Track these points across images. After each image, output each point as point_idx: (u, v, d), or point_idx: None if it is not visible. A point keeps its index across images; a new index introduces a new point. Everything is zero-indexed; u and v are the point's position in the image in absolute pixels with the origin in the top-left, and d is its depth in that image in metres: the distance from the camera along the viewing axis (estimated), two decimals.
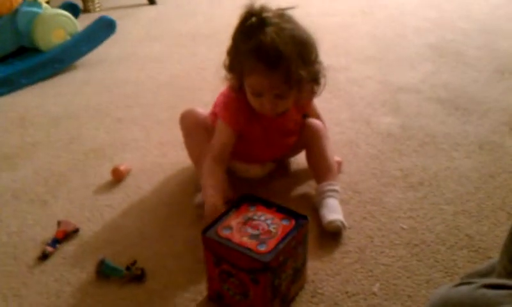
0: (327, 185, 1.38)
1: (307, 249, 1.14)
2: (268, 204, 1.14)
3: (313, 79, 1.30)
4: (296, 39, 1.22)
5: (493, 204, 1.39)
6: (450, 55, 2.35)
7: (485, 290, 0.70)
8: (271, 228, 1.07)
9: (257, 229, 1.07)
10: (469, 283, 0.75)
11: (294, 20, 1.26)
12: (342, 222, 1.29)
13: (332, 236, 1.30)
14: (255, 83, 1.25)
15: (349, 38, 2.65)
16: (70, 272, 1.23)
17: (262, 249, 1.02)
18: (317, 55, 1.29)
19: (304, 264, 1.15)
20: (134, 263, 1.21)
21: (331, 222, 1.29)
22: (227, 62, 1.31)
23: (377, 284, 1.16)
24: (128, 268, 1.20)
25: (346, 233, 1.31)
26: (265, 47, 1.19)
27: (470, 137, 1.69)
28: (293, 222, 1.09)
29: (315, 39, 1.27)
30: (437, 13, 2.98)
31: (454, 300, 0.71)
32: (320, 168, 1.43)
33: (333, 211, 1.32)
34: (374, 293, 1.14)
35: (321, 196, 1.37)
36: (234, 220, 1.10)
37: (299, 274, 1.13)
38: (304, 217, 1.11)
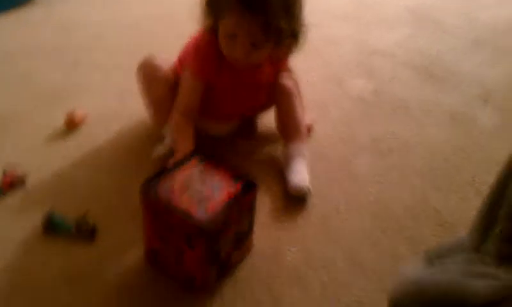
0: (295, 147, 1.31)
1: (254, 216, 1.09)
2: (217, 164, 1.07)
3: (293, 35, 1.21)
4: None
5: (462, 178, 1.36)
6: (428, 21, 2.28)
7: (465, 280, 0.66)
8: (214, 191, 1.00)
9: (199, 190, 1.00)
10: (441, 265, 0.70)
11: None
12: (308, 188, 1.24)
13: (296, 201, 1.25)
14: (232, 24, 1.15)
15: None
16: (14, 225, 1.15)
17: (201, 212, 0.95)
18: (301, 10, 1.20)
19: (249, 231, 1.10)
20: (85, 218, 1.13)
21: (296, 185, 1.24)
22: None
23: (341, 255, 1.12)
24: (78, 225, 1.12)
25: (311, 199, 1.26)
26: None
27: (442, 106, 1.65)
28: (239, 186, 1.02)
29: None
30: None
31: (431, 290, 0.66)
32: (289, 128, 1.36)
33: (300, 175, 1.26)
34: (337, 263, 1.10)
35: (288, 158, 1.31)
36: (178, 177, 1.02)
37: (243, 240, 1.08)
38: (252, 183, 1.04)
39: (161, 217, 0.98)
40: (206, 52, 1.25)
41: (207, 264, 0.99)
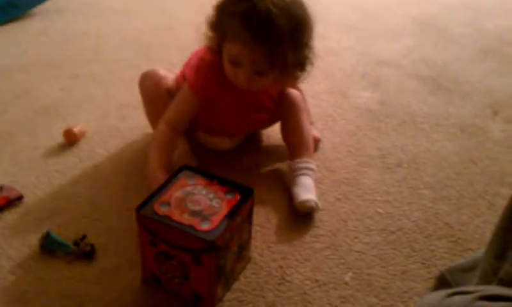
0: (301, 162, 1.27)
1: (252, 224, 1.06)
2: (208, 177, 1.04)
3: (300, 64, 1.17)
4: (293, 16, 1.09)
5: (474, 191, 1.32)
6: (434, 30, 2.25)
7: (483, 303, 0.61)
8: (214, 203, 0.97)
9: (199, 205, 0.96)
10: (462, 293, 0.66)
11: None
12: (315, 203, 1.20)
13: (304, 217, 1.20)
14: (235, 51, 1.12)
15: (330, 5, 2.52)
16: (11, 244, 1.11)
17: (206, 226, 0.91)
18: (310, 39, 1.16)
19: (249, 240, 1.06)
20: (84, 238, 1.10)
21: (304, 202, 1.19)
22: (212, 18, 1.16)
23: (350, 274, 1.08)
24: (76, 243, 1.09)
25: (318, 215, 1.21)
26: (258, 15, 1.05)
27: (451, 119, 1.61)
28: (237, 195, 0.99)
29: (312, 21, 1.14)
30: None
31: None
32: (295, 143, 1.32)
33: (307, 190, 1.22)
34: (346, 283, 1.06)
35: (294, 173, 1.26)
36: (172, 195, 0.98)
37: (243, 251, 1.04)
38: (249, 190, 1.01)
39: (162, 237, 0.94)
40: (208, 71, 1.21)
41: (214, 279, 0.95)
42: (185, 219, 0.93)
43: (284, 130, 1.35)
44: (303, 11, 1.13)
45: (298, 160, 1.28)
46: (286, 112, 1.33)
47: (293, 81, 1.25)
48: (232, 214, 0.95)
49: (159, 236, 0.94)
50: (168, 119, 1.22)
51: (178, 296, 0.99)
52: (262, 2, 1.06)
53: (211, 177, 1.04)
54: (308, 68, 1.20)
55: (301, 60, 1.17)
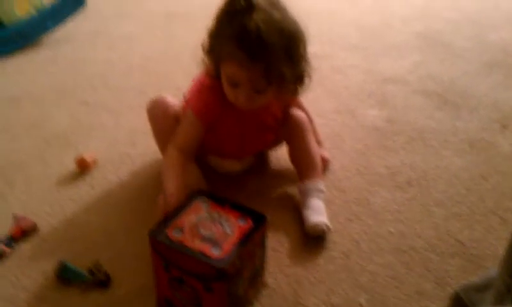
0: (311, 184, 1.28)
1: (266, 250, 1.06)
2: (221, 201, 1.04)
3: (297, 78, 1.19)
4: (284, 32, 1.10)
5: (485, 207, 1.31)
6: (438, 45, 2.26)
7: None
8: (226, 229, 0.97)
9: (210, 231, 0.96)
10: None
11: (286, 9, 1.13)
12: (326, 225, 1.20)
13: (315, 239, 1.20)
14: (232, 72, 1.13)
15: (334, 25, 2.54)
16: (27, 275, 1.11)
17: (216, 253, 0.91)
18: (304, 52, 1.17)
19: (262, 266, 1.06)
20: (99, 266, 1.10)
21: (314, 225, 1.19)
22: (206, 44, 1.18)
23: (364, 296, 1.07)
24: (91, 272, 1.09)
25: (330, 237, 1.21)
26: (249, 35, 1.07)
27: (460, 134, 1.61)
28: (250, 221, 0.99)
29: (305, 34, 1.16)
30: (424, 1, 2.90)
31: None
32: (304, 164, 1.32)
33: (317, 212, 1.22)
34: (361, 305, 1.05)
35: (304, 195, 1.27)
36: (186, 221, 0.99)
37: (257, 277, 1.04)
38: (262, 216, 1.01)
39: (175, 263, 0.94)
40: (208, 95, 1.22)
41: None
42: (197, 244, 0.93)
43: (291, 152, 1.36)
44: (294, 26, 1.14)
45: (307, 181, 1.29)
46: (291, 133, 1.34)
47: (293, 95, 1.25)
48: (243, 242, 0.95)
49: (172, 262, 0.95)
50: (177, 143, 1.23)
51: None
52: (251, 23, 1.07)
53: (224, 201, 1.04)
54: (307, 81, 1.21)
55: (298, 73, 1.18)
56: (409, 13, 2.68)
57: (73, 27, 2.43)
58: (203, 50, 1.19)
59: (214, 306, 0.94)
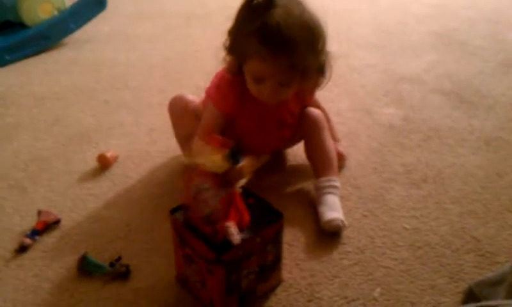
0: (326, 181, 1.30)
1: (281, 248, 1.07)
2: (247, 194, 1.06)
3: (319, 69, 1.21)
4: (304, 25, 1.13)
5: (501, 205, 1.32)
6: (455, 44, 2.26)
7: None
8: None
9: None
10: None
11: (304, 4, 1.17)
12: (342, 221, 1.22)
13: (331, 235, 1.22)
14: (256, 68, 1.16)
15: (352, 24, 2.55)
16: (50, 267, 1.15)
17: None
18: (324, 45, 1.20)
19: (277, 263, 1.07)
20: (119, 259, 1.14)
21: (330, 221, 1.21)
22: (227, 43, 1.21)
23: (378, 289, 1.09)
24: (112, 264, 1.12)
25: (345, 232, 1.23)
26: (270, 30, 1.10)
27: (476, 133, 1.61)
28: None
29: (324, 28, 1.18)
30: (440, 0, 2.89)
31: None
32: (320, 162, 1.34)
33: (333, 209, 1.24)
34: (375, 299, 1.07)
35: (320, 192, 1.29)
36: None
37: (268, 273, 1.06)
38: (278, 214, 1.03)
39: (187, 241, 0.99)
40: (228, 88, 1.26)
41: (225, 293, 0.98)
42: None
43: (307, 149, 1.38)
44: (313, 20, 1.16)
45: (322, 178, 1.30)
46: (308, 131, 1.36)
47: (315, 86, 1.28)
48: (251, 234, 0.97)
49: (184, 239, 1.00)
50: (200, 134, 1.26)
51: (201, 302, 1.03)
52: (272, 18, 1.10)
53: (248, 194, 1.06)
54: (328, 73, 1.24)
55: (320, 64, 1.21)
56: (425, 12, 2.68)
57: (94, 29, 2.48)
58: (225, 48, 1.22)
59: (215, 289, 0.98)
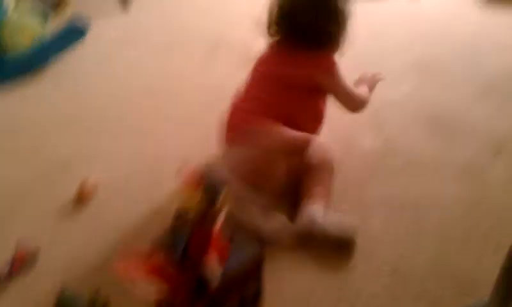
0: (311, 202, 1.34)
1: (262, 281, 1.08)
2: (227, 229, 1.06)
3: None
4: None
5: (480, 233, 1.33)
6: (433, 72, 2.29)
7: None
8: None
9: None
10: None
11: None
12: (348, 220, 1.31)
13: (313, 263, 1.23)
14: None
15: None
16: (27, 304, 1.14)
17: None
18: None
19: (257, 295, 1.08)
20: (97, 293, 1.11)
21: (308, 214, 1.30)
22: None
23: None
24: (91, 302, 1.10)
25: (326, 263, 1.23)
26: None
27: (454, 160, 1.63)
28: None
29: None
30: (419, 28, 2.94)
31: None
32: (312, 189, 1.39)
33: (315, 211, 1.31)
34: None
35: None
36: None
37: (250, 305, 1.07)
38: (259, 248, 1.05)
39: None
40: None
41: None
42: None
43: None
44: None
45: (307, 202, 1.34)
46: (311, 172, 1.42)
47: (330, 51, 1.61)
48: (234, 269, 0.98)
49: None
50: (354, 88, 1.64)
51: None
52: None
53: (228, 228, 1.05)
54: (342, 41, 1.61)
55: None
56: (404, 40, 2.72)
57: (76, 56, 2.46)
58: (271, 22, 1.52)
59: None
